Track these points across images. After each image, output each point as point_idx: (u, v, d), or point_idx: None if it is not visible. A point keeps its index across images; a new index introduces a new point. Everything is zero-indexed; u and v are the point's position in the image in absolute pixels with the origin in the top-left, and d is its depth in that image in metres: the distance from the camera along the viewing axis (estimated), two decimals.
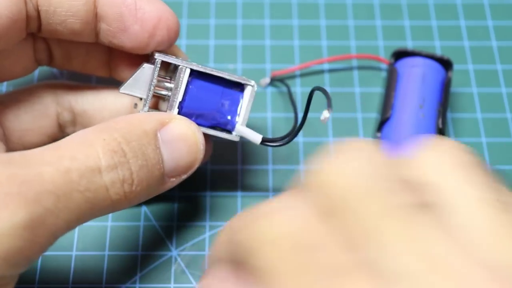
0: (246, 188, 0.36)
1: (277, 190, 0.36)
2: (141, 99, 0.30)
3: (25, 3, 0.28)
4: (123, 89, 0.30)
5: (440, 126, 0.35)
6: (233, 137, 0.31)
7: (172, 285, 0.33)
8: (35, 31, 0.29)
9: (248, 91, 0.31)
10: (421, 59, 0.37)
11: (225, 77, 0.30)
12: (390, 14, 0.43)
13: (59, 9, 0.28)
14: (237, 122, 0.31)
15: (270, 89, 0.39)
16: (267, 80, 0.39)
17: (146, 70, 0.30)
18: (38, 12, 0.28)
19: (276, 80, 0.39)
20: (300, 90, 0.39)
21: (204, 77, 0.30)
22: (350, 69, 0.40)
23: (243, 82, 0.31)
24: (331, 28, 0.42)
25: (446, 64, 0.37)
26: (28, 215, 0.23)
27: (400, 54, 0.38)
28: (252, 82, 0.31)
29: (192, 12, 0.43)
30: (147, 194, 0.28)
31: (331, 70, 0.40)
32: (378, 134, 0.36)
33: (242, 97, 0.31)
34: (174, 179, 0.29)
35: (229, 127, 0.31)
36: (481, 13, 0.43)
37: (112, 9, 0.29)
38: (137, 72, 0.30)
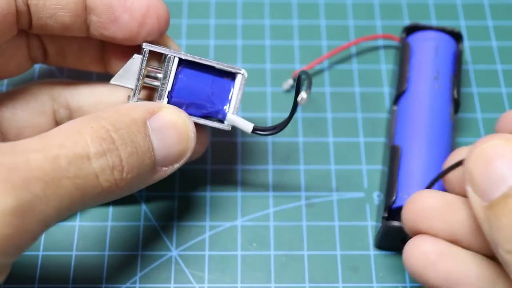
0: (246, 188, 0.36)
1: (277, 190, 0.36)
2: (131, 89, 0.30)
3: None
4: (113, 80, 0.30)
5: (456, 96, 0.36)
6: (225, 126, 0.31)
7: (172, 285, 0.33)
8: (26, 27, 0.30)
9: (238, 80, 0.31)
10: (433, 33, 0.38)
11: (215, 66, 0.30)
12: (390, 14, 0.43)
13: (48, 2, 0.28)
14: (228, 111, 0.31)
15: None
16: (289, 82, 0.39)
17: (136, 61, 0.30)
18: (28, 6, 0.28)
19: (301, 76, 0.38)
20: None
21: (194, 66, 0.30)
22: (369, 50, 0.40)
23: (233, 70, 0.31)
24: (331, 28, 0.42)
25: (457, 37, 0.38)
26: (16, 201, 0.22)
27: (411, 29, 0.39)
28: (242, 71, 0.30)
29: (192, 12, 0.43)
30: (139, 182, 0.28)
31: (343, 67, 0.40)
32: (395, 107, 0.36)
33: (233, 86, 0.31)
34: (166, 168, 0.29)
35: (220, 116, 0.31)
36: (481, 13, 0.43)
37: (101, 0, 0.29)
38: (127, 63, 0.30)
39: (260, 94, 0.39)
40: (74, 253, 0.33)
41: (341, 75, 0.40)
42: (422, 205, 0.28)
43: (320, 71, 0.40)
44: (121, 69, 0.30)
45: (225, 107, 0.31)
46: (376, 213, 0.35)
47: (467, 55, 0.41)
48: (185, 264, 0.33)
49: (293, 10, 0.43)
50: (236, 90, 0.31)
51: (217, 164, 0.37)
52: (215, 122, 0.31)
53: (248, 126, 0.30)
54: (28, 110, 0.32)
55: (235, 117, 0.30)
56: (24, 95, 0.32)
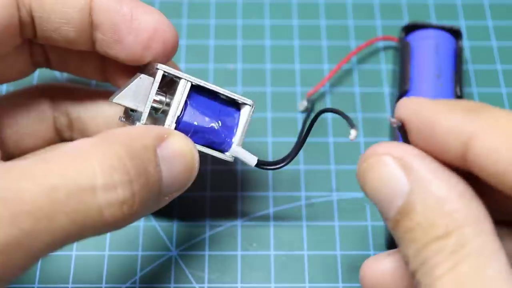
0: (246, 188, 0.36)
1: (277, 190, 0.36)
2: (132, 110, 0.29)
3: (18, 8, 0.27)
4: (116, 99, 0.28)
5: (459, 93, 0.36)
6: (228, 157, 0.30)
7: (172, 285, 0.33)
8: (31, 37, 0.29)
9: (246, 111, 0.30)
10: (432, 31, 0.38)
11: (225, 94, 0.29)
12: (390, 14, 0.43)
13: (52, 15, 0.28)
14: (233, 142, 0.30)
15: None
16: (304, 103, 0.38)
17: (144, 81, 0.28)
18: (32, 18, 0.28)
19: (310, 101, 0.38)
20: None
21: (202, 92, 0.29)
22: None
23: (241, 101, 0.29)
24: (331, 28, 0.42)
25: (456, 34, 0.38)
26: (2, 239, 0.20)
27: (410, 28, 0.39)
28: (250, 102, 0.29)
29: (192, 12, 0.43)
30: (142, 214, 0.25)
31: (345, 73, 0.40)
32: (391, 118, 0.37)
33: (239, 115, 0.30)
34: (167, 197, 0.27)
35: (224, 146, 0.30)
36: (481, 13, 0.43)
37: (107, 18, 0.28)
38: (133, 82, 0.28)
39: (260, 94, 0.39)
40: (74, 253, 0.33)
41: (341, 75, 0.40)
42: (371, 276, 0.26)
43: (320, 71, 0.40)
44: (126, 89, 0.28)
45: (230, 138, 0.30)
46: (376, 213, 0.35)
47: (467, 55, 0.41)
48: (185, 264, 0.33)
49: (293, 10, 0.43)
50: (243, 122, 0.30)
51: (217, 165, 0.37)
52: (218, 152, 0.29)
53: (252, 160, 0.29)
54: (28, 117, 0.31)
55: (239, 149, 0.29)
56: (25, 101, 0.32)
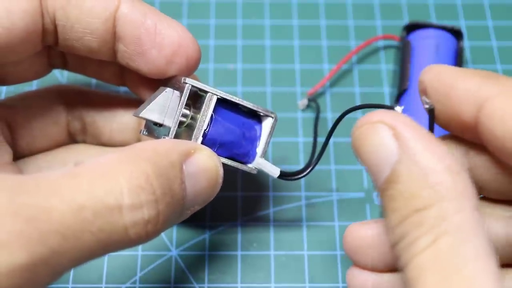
0: (246, 188, 0.36)
1: (277, 190, 0.36)
2: (155, 123, 0.28)
3: (42, 16, 0.27)
4: (143, 113, 0.28)
5: None
6: (251, 169, 0.30)
7: (172, 285, 0.33)
8: (52, 44, 0.29)
9: (268, 123, 0.30)
10: (433, 31, 0.38)
11: (250, 107, 0.29)
12: (390, 15, 0.43)
13: (76, 25, 0.27)
14: (256, 153, 0.30)
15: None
16: (304, 102, 0.38)
17: (169, 95, 0.28)
18: (55, 26, 0.28)
19: (312, 101, 0.38)
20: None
21: (226, 105, 0.29)
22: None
23: (264, 113, 0.30)
24: (331, 28, 0.42)
25: (457, 34, 0.38)
26: (30, 258, 0.20)
27: (411, 28, 0.39)
28: (273, 114, 0.30)
29: (192, 12, 0.43)
30: (164, 230, 0.25)
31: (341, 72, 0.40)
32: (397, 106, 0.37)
33: (261, 128, 0.30)
34: (189, 211, 0.26)
35: (247, 158, 0.30)
36: (481, 13, 0.43)
37: (131, 30, 0.28)
38: (159, 96, 0.28)
39: (260, 94, 0.39)
40: None
41: (341, 75, 0.40)
42: (354, 238, 0.27)
43: (320, 71, 0.40)
44: (152, 103, 0.28)
45: (254, 149, 0.30)
46: (376, 213, 0.35)
47: (467, 55, 0.41)
48: (185, 264, 0.33)
49: (293, 10, 0.43)
50: (266, 133, 0.30)
51: None
52: (242, 164, 0.30)
53: (275, 171, 0.29)
54: (42, 120, 0.31)
55: (262, 161, 0.30)
56: (39, 103, 0.32)
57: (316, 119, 0.36)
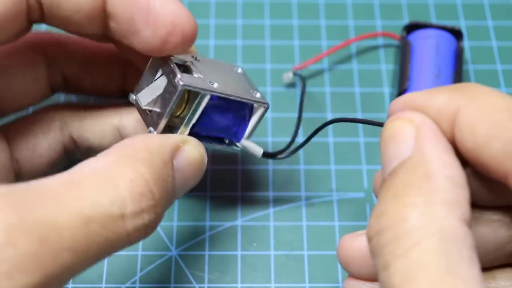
0: (246, 188, 0.36)
1: (277, 190, 0.36)
2: (148, 111, 0.29)
3: None
4: (145, 104, 0.28)
5: None
6: (235, 149, 0.31)
7: (172, 285, 0.33)
8: (37, 21, 0.28)
9: (260, 111, 0.30)
10: (433, 31, 0.38)
11: (243, 101, 0.29)
12: (390, 15, 0.43)
13: (63, 3, 0.27)
14: (243, 135, 0.31)
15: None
16: (289, 75, 0.39)
17: (162, 82, 0.28)
18: (40, 3, 0.27)
19: (297, 75, 0.39)
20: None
21: (219, 99, 0.29)
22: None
23: (258, 104, 0.30)
24: (331, 28, 0.42)
25: (457, 34, 0.38)
26: (44, 278, 0.21)
27: (411, 27, 0.39)
28: (267, 104, 0.30)
29: (192, 12, 0.42)
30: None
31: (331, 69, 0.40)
32: None
33: (251, 113, 0.31)
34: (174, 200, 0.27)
35: (234, 139, 0.31)
36: (481, 13, 0.43)
37: (122, 9, 0.27)
38: (153, 83, 0.28)
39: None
40: None
41: (341, 75, 0.40)
42: (347, 250, 0.27)
43: (320, 71, 0.40)
44: (148, 88, 0.28)
45: (242, 133, 0.31)
46: None
47: (467, 55, 0.41)
48: (185, 264, 0.33)
49: (293, 10, 0.43)
50: (255, 119, 0.30)
51: (218, 164, 0.37)
52: (227, 146, 0.31)
53: (258, 151, 0.31)
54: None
55: (247, 142, 0.31)
56: (38, 123, 0.32)
57: (302, 93, 0.36)
